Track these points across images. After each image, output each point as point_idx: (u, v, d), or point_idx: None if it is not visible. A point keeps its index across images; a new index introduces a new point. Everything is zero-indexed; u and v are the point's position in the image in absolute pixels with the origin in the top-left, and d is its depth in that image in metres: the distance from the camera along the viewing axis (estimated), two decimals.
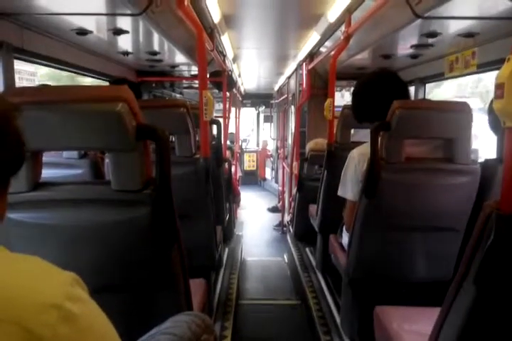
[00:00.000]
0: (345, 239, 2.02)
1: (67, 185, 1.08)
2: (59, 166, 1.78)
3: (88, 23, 2.09)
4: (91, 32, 2.20)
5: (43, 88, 1.08)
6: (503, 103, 0.74)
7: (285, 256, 3.88)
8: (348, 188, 1.82)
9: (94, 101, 0.97)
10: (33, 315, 0.44)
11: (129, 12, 1.84)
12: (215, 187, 2.08)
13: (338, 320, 2.22)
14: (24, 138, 0.59)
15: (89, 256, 1.06)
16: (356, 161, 1.78)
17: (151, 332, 0.99)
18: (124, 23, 2.12)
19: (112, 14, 1.95)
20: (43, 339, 0.44)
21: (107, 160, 1.76)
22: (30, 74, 2.16)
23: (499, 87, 0.75)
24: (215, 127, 2.99)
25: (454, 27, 2.12)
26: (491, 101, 1.86)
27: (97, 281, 1.05)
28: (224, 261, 3.33)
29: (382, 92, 1.76)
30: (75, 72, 2.65)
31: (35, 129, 0.96)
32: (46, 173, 1.15)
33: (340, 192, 1.87)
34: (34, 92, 1.01)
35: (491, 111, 1.85)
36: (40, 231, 1.03)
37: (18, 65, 2.04)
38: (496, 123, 1.79)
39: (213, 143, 2.77)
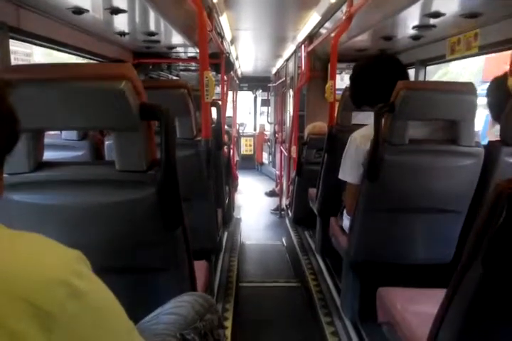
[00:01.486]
0: (345, 221, 2.03)
1: (71, 165, 1.06)
2: (58, 148, 1.75)
3: (84, 2, 2.03)
4: (87, 11, 2.14)
5: (43, 65, 1.05)
6: None
7: (283, 240, 3.90)
8: (349, 171, 1.81)
9: (97, 78, 0.94)
10: (40, 291, 0.43)
11: None
12: (215, 170, 2.07)
13: (338, 302, 2.25)
14: (17, 116, 0.57)
15: (93, 237, 1.05)
16: (358, 143, 1.77)
17: (154, 312, 0.99)
18: (121, 1, 2.06)
19: None
20: (51, 316, 0.43)
21: (107, 142, 1.75)
22: (25, 54, 2.11)
23: None
24: (214, 110, 2.96)
25: (457, 7, 2.08)
26: (491, 83, 1.85)
27: (101, 262, 1.05)
28: (223, 245, 3.34)
29: (381, 76, 1.75)
30: (71, 53, 2.60)
31: (36, 108, 0.94)
32: (46, 155, 1.13)
33: (340, 175, 1.86)
34: (33, 69, 0.98)
35: (491, 93, 1.83)
36: (43, 212, 1.02)
37: (14, 46, 1.99)
38: (496, 106, 1.78)
39: (213, 125, 2.74)
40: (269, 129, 9.05)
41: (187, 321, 0.97)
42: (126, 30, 2.80)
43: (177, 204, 1.05)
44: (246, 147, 9.62)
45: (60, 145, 1.79)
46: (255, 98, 9.92)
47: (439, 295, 1.01)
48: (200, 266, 1.61)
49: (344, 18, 2.40)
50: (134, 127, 0.97)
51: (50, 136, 1.83)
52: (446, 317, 0.97)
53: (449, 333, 0.96)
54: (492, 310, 0.88)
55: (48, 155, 1.13)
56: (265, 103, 9.34)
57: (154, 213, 1.03)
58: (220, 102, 3.45)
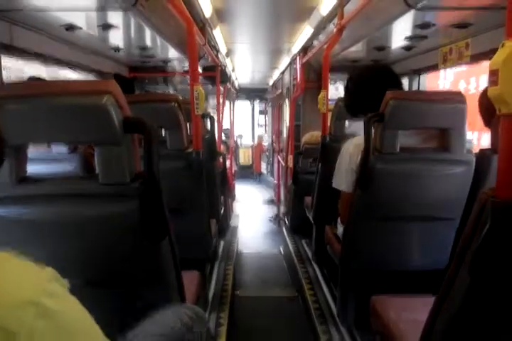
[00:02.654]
0: (340, 229, 2.02)
1: (53, 180, 1.06)
2: (49, 162, 1.75)
3: (77, 19, 2.06)
4: (80, 28, 2.17)
5: (28, 82, 1.06)
6: (497, 89, 0.73)
7: (281, 248, 3.89)
8: (343, 180, 1.81)
9: (80, 94, 0.95)
10: (7, 313, 0.43)
11: (118, 7, 1.81)
12: (208, 180, 2.08)
13: (334, 310, 2.23)
14: (3, 135, 0.57)
15: (76, 251, 1.04)
16: (350, 152, 1.78)
17: (141, 325, 0.98)
18: (114, 18, 2.09)
19: (101, 9, 1.92)
20: (20, 338, 0.42)
21: None
22: (18, 71, 2.14)
23: (493, 73, 0.74)
24: (209, 122, 2.98)
25: (448, 17, 2.10)
26: (484, 91, 1.86)
27: (85, 276, 1.05)
28: (219, 254, 3.32)
29: (375, 85, 1.76)
30: (66, 69, 2.62)
31: (19, 123, 0.94)
32: (36, 169, 1.13)
33: (334, 184, 1.87)
34: (18, 86, 1.00)
35: (482, 101, 1.84)
36: (26, 227, 1.01)
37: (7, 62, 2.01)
38: (487, 113, 1.78)
39: (206, 137, 2.76)
40: (267, 139, 9.09)
41: (175, 333, 0.96)
42: (121, 46, 2.83)
43: (161, 217, 1.05)
44: (244, 158, 9.66)
45: (51, 158, 1.80)
46: (253, 109, 9.99)
47: (431, 302, 1.00)
48: (191, 277, 1.61)
49: (335, 30, 2.43)
50: (116, 141, 0.97)
51: (42, 149, 1.83)
52: (435, 326, 0.97)
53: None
54: (480, 318, 0.87)
55: (39, 168, 1.14)
56: (263, 113, 9.42)
57: (138, 226, 1.03)
58: (213, 114, 3.47)
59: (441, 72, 3.10)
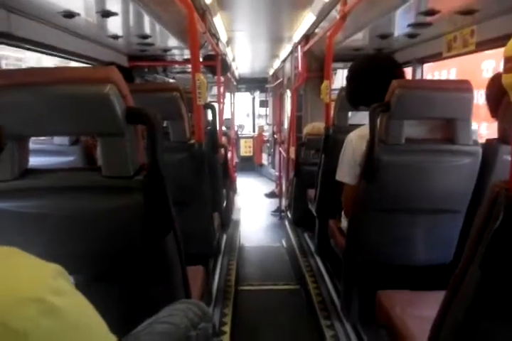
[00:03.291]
0: (344, 223, 2.00)
1: (56, 172, 1.04)
2: (50, 153, 1.73)
3: (75, 5, 2.01)
4: (78, 14, 2.12)
5: (27, 69, 1.02)
6: None
7: (283, 242, 3.88)
8: (346, 172, 1.79)
9: (81, 82, 0.92)
10: (11, 310, 0.41)
11: None
12: (211, 173, 2.05)
13: (338, 304, 2.22)
14: (1, 125, 0.54)
15: (80, 245, 1.02)
16: (354, 144, 1.75)
17: (147, 321, 0.97)
18: (113, 4, 2.04)
19: None
20: (23, 335, 0.41)
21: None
22: (17, 59, 2.09)
23: (509, 60, 0.70)
24: (210, 113, 2.94)
25: (453, 3, 2.05)
26: (490, 82, 1.83)
27: (89, 271, 1.03)
28: (222, 248, 3.31)
29: (377, 75, 1.73)
30: (64, 57, 2.58)
31: (20, 114, 0.91)
32: (36, 161, 1.11)
33: (338, 176, 1.84)
34: (17, 74, 0.96)
35: (492, 90, 1.80)
36: (29, 221, 0.99)
37: (5, 51, 1.97)
38: (494, 103, 1.75)
39: (208, 128, 2.72)
40: (268, 130, 9.04)
41: (180, 330, 0.95)
42: (120, 33, 2.77)
43: (166, 210, 1.02)
44: (245, 148, 9.60)
45: (52, 150, 1.77)
46: (253, 99, 9.91)
47: (437, 297, 0.99)
48: (195, 272, 1.59)
49: (338, 17, 2.38)
50: (119, 132, 0.94)
51: (42, 141, 1.81)
52: (445, 321, 0.95)
53: (449, 337, 0.94)
54: (491, 313, 0.86)
55: (40, 160, 1.11)
56: (263, 104, 9.33)
57: (142, 219, 1.00)
58: (214, 104, 3.43)
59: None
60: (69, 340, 0.45)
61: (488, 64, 3.23)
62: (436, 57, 2.90)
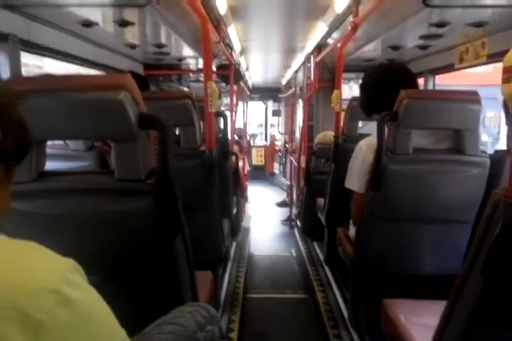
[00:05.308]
0: (352, 231, 2.01)
1: (70, 175, 1.08)
2: (65, 158, 1.77)
3: (94, 15, 2.08)
4: (96, 24, 2.19)
5: (46, 77, 1.07)
6: (511, 87, 0.71)
7: (293, 251, 3.87)
8: (355, 180, 1.80)
9: (96, 89, 0.97)
10: (30, 300, 0.44)
11: (134, 3, 1.83)
12: (221, 180, 2.08)
13: (345, 314, 2.21)
14: (28, 126, 0.58)
15: (91, 247, 1.05)
16: (363, 153, 1.76)
17: (157, 321, 1.00)
18: (130, 14, 2.10)
19: (117, 5, 1.94)
20: (39, 324, 0.43)
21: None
22: (37, 67, 2.16)
23: (507, 70, 0.72)
24: (222, 121, 2.98)
25: (464, 16, 2.07)
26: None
27: (100, 271, 1.05)
28: (231, 255, 3.32)
29: (391, 84, 1.74)
30: (81, 65, 2.65)
31: (38, 118, 0.95)
32: (52, 165, 1.15)
33: (347, 184, 1.86)
34: (37, 81, 1.01)
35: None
36: (43, 221, 1.03)
37: (25, 58, 2.04)
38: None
39: (220, 135, 2.76)
40: (280, 139, 9.06)
41: (188, 332, 0.97)
42: (136, 42, 2.85)
43: (175, 213, 1.05)
44: (257, 157, 9.62)
45: (68, 155, 1.82)
46: (266, 108, 9.96)
47: (443, 306, 0.99)
48: (203, 277, 1.61)
49: (350, 28, 2.41)
50: (132, 137, 0.98)
51: (58, 146, 1.85)
52: (446, 329, 0.95)
53: None
54: (492, 320, 0.86)
55: (56, 165, 1.15)
56: (276, 113, 9.37)
57: (153, 222, 1.03)
58: (227, 113, 3.47)
59: None
60: (81, 331, 0.48)
61: None
62: (448, 68, 2.91)
